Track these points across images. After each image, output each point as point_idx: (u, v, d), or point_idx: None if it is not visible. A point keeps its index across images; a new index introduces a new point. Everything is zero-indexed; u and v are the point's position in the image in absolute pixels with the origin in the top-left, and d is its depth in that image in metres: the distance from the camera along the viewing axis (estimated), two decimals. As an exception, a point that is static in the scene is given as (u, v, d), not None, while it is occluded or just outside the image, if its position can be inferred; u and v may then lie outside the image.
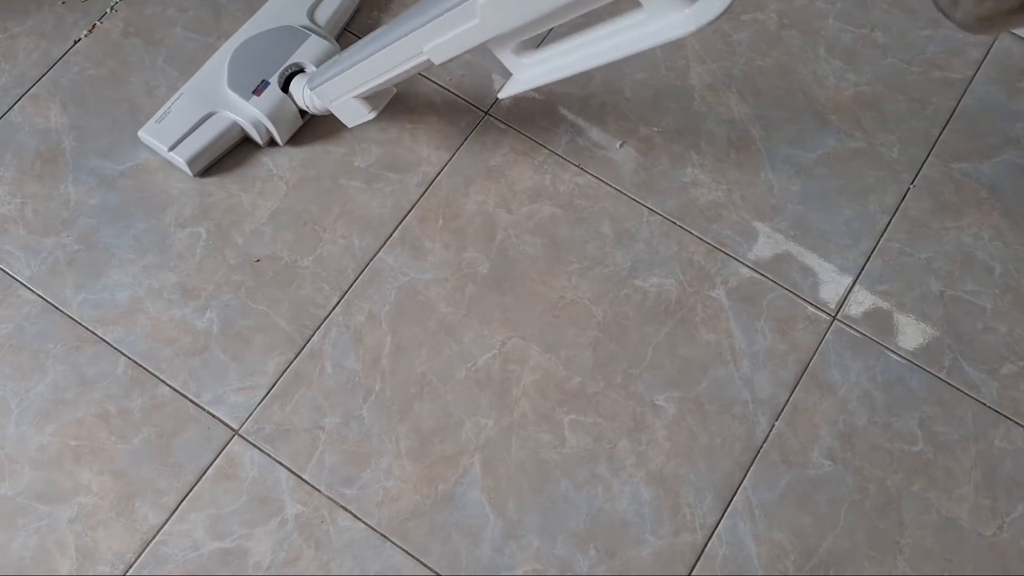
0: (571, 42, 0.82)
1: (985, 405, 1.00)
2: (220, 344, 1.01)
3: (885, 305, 1.04)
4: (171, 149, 1.05)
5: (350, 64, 0.94)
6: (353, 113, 1.02)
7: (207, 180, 1.09)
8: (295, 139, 1.11)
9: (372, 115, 1.01)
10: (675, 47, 1.17)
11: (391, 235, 1.07)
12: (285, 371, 1.00)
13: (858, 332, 1.03)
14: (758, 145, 1.12)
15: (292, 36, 1.09)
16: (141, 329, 1.02)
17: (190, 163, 1.06)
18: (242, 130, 1.08)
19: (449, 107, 1.14)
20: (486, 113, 1.14)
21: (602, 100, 1.14)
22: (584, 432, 0.98)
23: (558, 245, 1.07)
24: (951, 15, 0.64)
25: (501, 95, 0.89)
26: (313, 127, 1.12)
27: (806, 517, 0.95)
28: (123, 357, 1.00)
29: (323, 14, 1.14)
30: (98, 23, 1.17)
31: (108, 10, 1.18)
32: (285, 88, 1.07)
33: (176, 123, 1.06)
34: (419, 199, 1.09)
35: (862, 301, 1.05)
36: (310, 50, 1.08)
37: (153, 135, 1.06)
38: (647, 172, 1.11)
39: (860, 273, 1.06)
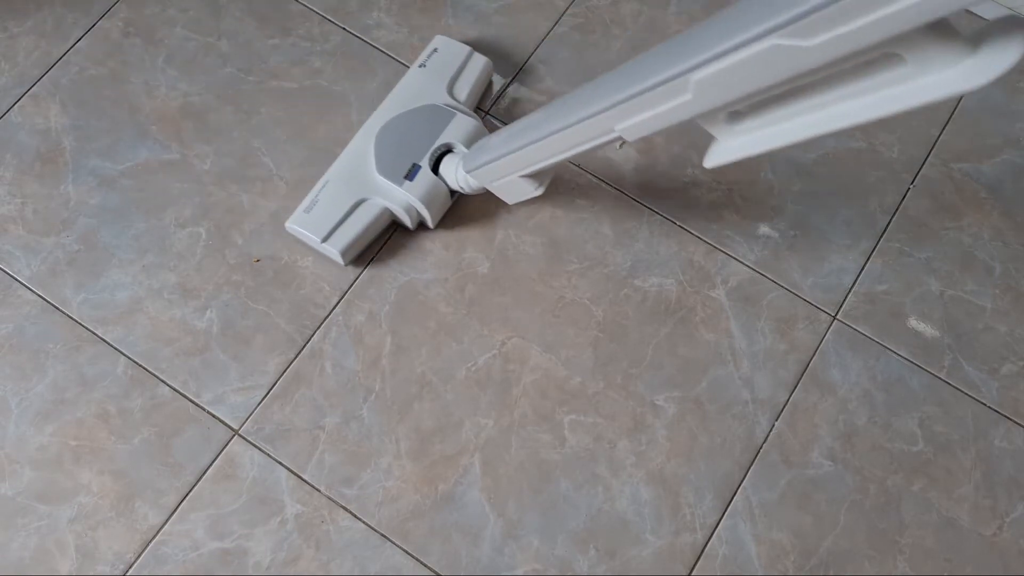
0: (800, 104, 0.68)
1: (985, 405, 1.00)
2: (220, 344, 1.01)
3: (885, 305, 1.04)
4: (324, 240, 1.01)
5: (518, 146, 0.88)
6: (517, 191, 0.97)
7: (208, 178, 1.09)
8: (442, 221, 1.08)
9: (540, 191, 0.95)
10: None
11: (391, 235, 1.07)
12: (285, 371, 1.00)
13: (858, 332, 1.03)
14: (758, 145, 1.12)
15: (437, 115, 1.05)
16: (141, 329, 1.02)
17: (343, 254, 1.02)
18: (392, 215, 1.04)
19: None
20: (486, 113, 1.14)
21: (602, 100, 1.14)
22: (584, 432, 0.98)
23: (558, 245, 1.07)
24: None
25: (707, 165, 0.76)
26: (460, 205, 1.09)
27: (806, 517, 0.95)
28: (123, 357, 1.00)
29: (462, 90, 1.09)
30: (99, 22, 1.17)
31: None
32: (435, 170, 1.03)
33: (326, 212, 1.02)
34: (419, 199, 1.09)
35: (862, 301, 1.05)
36: (458, 129, 1.04)
37: (303, 226, 1.02)
38: (647, 172, 1.10)
39: (860, 273, 1.06)
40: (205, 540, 0.93)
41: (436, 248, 1.06)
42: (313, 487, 0.96)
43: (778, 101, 0.69)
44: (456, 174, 1.01)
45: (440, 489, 0.96)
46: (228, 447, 0.97)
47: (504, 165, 0.92)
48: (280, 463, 0.96)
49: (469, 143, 1.03)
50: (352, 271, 1.05)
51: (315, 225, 1.02)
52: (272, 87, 1.14)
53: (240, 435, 0.98)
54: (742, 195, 1.09)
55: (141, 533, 0.93)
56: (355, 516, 0.94)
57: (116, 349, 1.01)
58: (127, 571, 0.92)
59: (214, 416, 0.98)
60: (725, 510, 0.96)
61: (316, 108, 1.13)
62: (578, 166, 1.11)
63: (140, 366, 1.00)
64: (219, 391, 0.99)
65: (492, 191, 0.99)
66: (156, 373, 1.00)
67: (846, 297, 1.05)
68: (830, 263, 1.06)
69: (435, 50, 1.11)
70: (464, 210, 1.08)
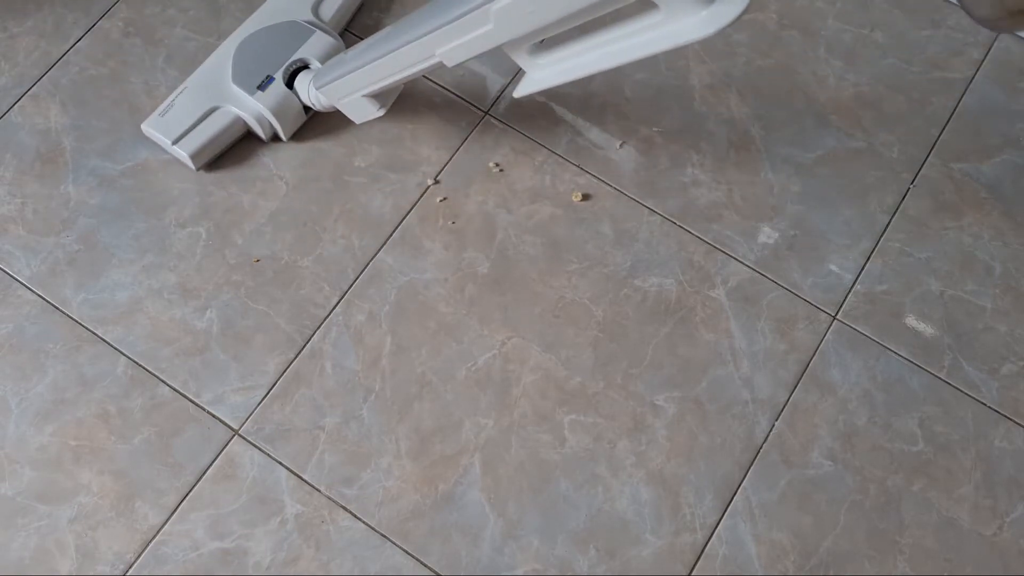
0: (586, 42, 0.81)
1: (985, 405, 1.00)
2: (220, 344, 1.01)
3: (885, 305, 1.04)
4: (175, 143, 1.05)
5: (359, 64, 0.94)
6: (361, 111, 1.02)
7: (208, 178, 1.09)
8: (297, 136, 1.11)
9: (381, 112, 1.01)
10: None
11: (391, 235, 1.07)
12: (285, 371, 1.00)
13: (858, 332, 1.03)
14: (758, 145, 1.12)
15: (297, 32, 1.09)
16: (141, 329, 1.02)
17: (193, 157, 1.05)
18: (245, 125, 1.08)
19: (449, 107, 1.14)
20: (486, 113, 1.14)
21: (602, 100, 1.14)
22: (584, 432, 0.98)
23: (558, 245, 1.07)
24: (973, 12, 0.63)
25: (516, 94, 0.87)
26: (315, 124, 1.12)
27: (806, 517, 0.95)
28: (123, 357, 1.00)
29: (327, 10, 1.13)
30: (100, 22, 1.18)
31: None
32: (290, 84, 1.07)
33: (180, 117, 1.06)
34: (419, 199, 1.09)
35: (862, 301, 1.05)
36: (315, 46, 1.08)
37: (156, 128, 1.06)
38: (647, 172, 1.11)
39: (860, 273, 1.06)
40: (205, 540, 0.93)
41: (436, 248, 1.06)
42: (313, 487, 0.96)
43: (571, 37, 0.81)
44: (308, 90, 1.04)
45: (440, 489, 0.96)
46: (228, 447, 0.97)
47: (348, 83, 0.97)
48: (280, 463, 0.96)
49: (325, 61, 1.07)
50: (352, 271, 1.05)
51: (167, 128, 1.06)
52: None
53: (240, 435, 0.98)
54: (742, 195, 1.09)
55: (141, 533, 0.93)
56: (355, 516, 0.94)
57: (116, 349, 1.01)
58: (127, 571, 0.92)
59: (214, 416, 0.98)
60: (725, 510, 0.96)
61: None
62: (578, 165, 1.11)
63: (140, 366, 1.00)
64: (219, 391, 0.99)
65: (340, 109, 1.04)
66: (156, 373, 1.00)
67: (846, 297, 1.05)
68: (830, 263, 1.06)
69: None
70: (318, 128, 1.11)
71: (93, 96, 1.13)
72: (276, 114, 1.06)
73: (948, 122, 1.14)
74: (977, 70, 1.17)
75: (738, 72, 1.16)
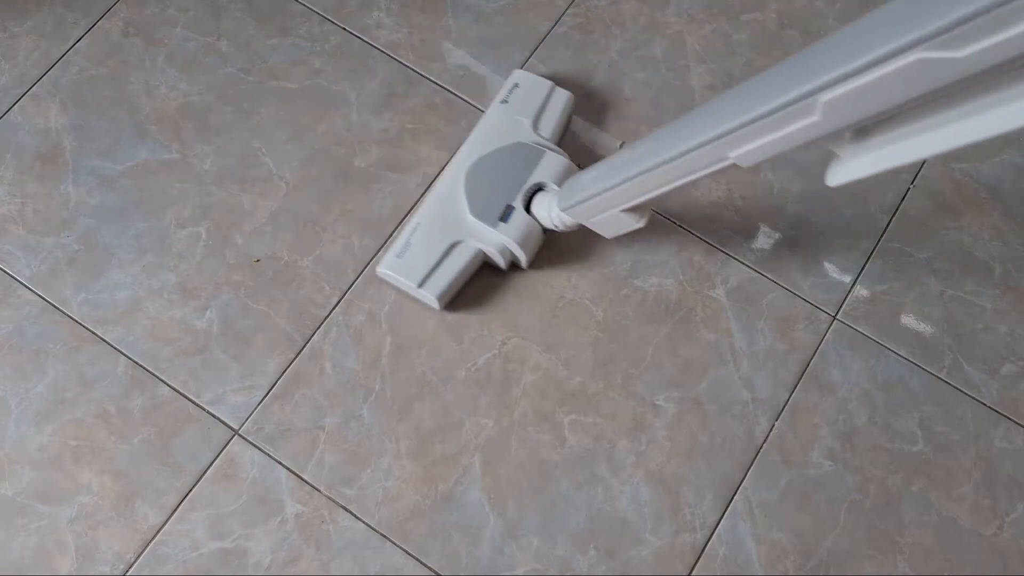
0: (931, 119, 0.63)
1: (985, 405, 1.00)
2: (220, 344, 1.01)
3: (885, 305, 1.04)
4: (420, 286, 0.99)
5: (619, 180, 0.85)
6: (617, 225, 0.93)
7: (210, 183, 1.09)
8: (535, 259, 1.05)
9: (642, 223, 0.92)
10: (675, 47, 1.17)
11: (391, 235, 1.07)
12: (285, 371, 1.00)
13: (858, 332, 1.03)
14: (758, 145, 1.12)
15: (526, 153, 1.03)
16: (141, 329, 1.02)
17: (439, 298, 1.00)
18: (485, 257, 1.02)
19: (449, 107, 1.14)
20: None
21: (602, 100, 1.14)
22: (584, 432, 0.98)
23: (558, 245, 1.06)
24: None
25: (829, 182, 0.73)
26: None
27: (806, 517, 0.95)
28: (123, 357, 1.00)
29: (547, 126, 1.07)
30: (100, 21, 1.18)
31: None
32: (527, 208, 1.01)
33: (420, 257, 1.00)
34: (419, 199, 1.09)
35: (862, 301, 1.05)
36: (548, 167, 1.02)
37: (396, 271, 1.00)
38: (647, 172, 1.10)
39: (860, 273, 1.06)
40: (205, 540, 0.93)
41: (436, 248, 1.06)
42: (313, 487, 0.96)
43: (911, 114, 0.64)
44: (550, 213, 0.98)
45: (440, 489, 0.96)
46: (228, 447, 0.97)
47: (604, 201, 0.89)
48: (280, 463, 0.96)
49: (560, 181, 1.01)
50: (352, 271, 1.05)
51: (409, 270, 0.99)
52: (272, 87, 1.14)
53: (240, 435, 0.98)
54: (742, 195, 1.09)
55: (141, 533, 0.93)
56: (355, 516, 0.94)
57: (116, 349, 1.01)
58: (127, 571, 0.92)
59: (214, 416, 0.98)
60: (725, 510, 0.96)
61: (316, 108, 1.13)
62: (578, 165, 1.10)
63: (140, 366, 1.00)
64: (219, 391, 0.99)
65: (589, 226, 0.96)
66: (156, 373, 1.00)
67: (846, 297, 1.05)
68: (830, 263, 1.06)
69: (516, 85, 1.09)
70: (556, 247, 1.06)
71: (93, 96, 1.13)
72: (521, 244, 1.00)
73: (948, 122, 1.14)
74: (977, 70, 1.16)
75: (738, 72, 1.16)
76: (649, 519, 0.95)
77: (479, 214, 1.00)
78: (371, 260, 1.05)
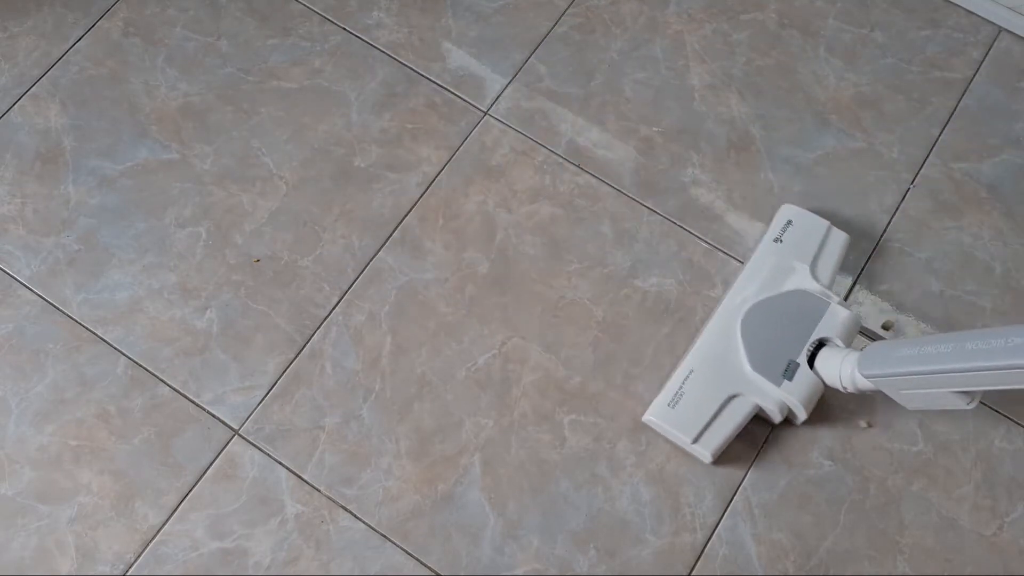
0: None
1: (985, 405, 1.00)
2: (220, 344, 1.01)
3: (885, 305, 1.04)
4: (695, 441, 0.94)
5: (970, 367, 0.77)
6: (936, 402, 0.86)
7: (208, 176, 1.09)
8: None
9: (971, 406, 0.84)
10: (675, 47, 1.17)
11: (391, 235, 1.07)
12: (285, 371, 1.00)
13: (858, 332, 1.03)
14: (758, 145, 1.12)
15: (807, 304, 0.97)
16: (141, 329, 1.02)
17: (715, 454, 0.94)
18: (760, 411, 0.96)
19: (449, 107, 1.14)
20: (486, 113, 1.14)
21: (602, 100, 1.14)
22: (584, 432, 0.98)
23: (558, 245, 1.07)
24: None
25: None
26: None
27: (806, 517, 0.95)
28: (123, 357, 1.00)
29: (824, 271, 1.01)
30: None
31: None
32: (809, 363, 0.95)
33: (695, 409, 0.94)
34: (419, 199, 1.09)
35: (862, 301, 1.05)
36: (834, 321, 0.96)
37: (670, 423, 0.95)
38: (647, 172, 1.10)
39: (860, 273, 1.06)
40: (205, 540, 0.93)
41: (436, 248, 1.06)
42: (313, 487, 0.96)
43: None
44: (841, 373, 0.91)
45: (440, 489, 0.96)
46: (228, 447, 0.97)
47: (933, 380, 0.82)
48: (280, 463, 0.96)
49: (845, 335, 0.96)
50: (352, 271, 1.05)
51: (684, 423, 0.94)
52: (272, 87, 1.14)
53: (240, 435, 0.98)
54: (742, 195, 1.09)
55: (141, 533, 0.93)
56: (355, 516, 0.94)
57: (116, 349, 1.01)
58: (127, 571, 0.92)
59: (214, 416, 0.98)
60: (725, 510, 0.96)
61: (316, 108, 1.13)
62: (578, 165, 1.11)
63: (140, 366, 1.00)
64: (219, 391, 0.99)
65: (888, 395, 0.90)
66: (156, 373, 1.00)
67: (846, 297, 1.05)
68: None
69: (789, 222, 1.03)
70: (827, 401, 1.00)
71: (93, 96, 1.13)
72: (805, 405, 0.94)
73: (948, 122, 1.14)
74: (977, 70, 1.16)
75: (738, 72, 1.16)
76: (649, 519, 0.95)
77: (760, 368, 0.95)
78: (371, 260, 1.05)
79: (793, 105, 1.14)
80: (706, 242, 1.07)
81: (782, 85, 1.15)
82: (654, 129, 1.13)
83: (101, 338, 1.01)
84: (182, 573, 0.92)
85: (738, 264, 1.06)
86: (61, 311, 1.02)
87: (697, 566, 0.93)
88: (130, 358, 1.00)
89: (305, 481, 0.96)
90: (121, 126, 1.12)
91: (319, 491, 0.95)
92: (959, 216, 1.09)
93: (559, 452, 0.97)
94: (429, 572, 0.92)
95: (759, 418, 0.97)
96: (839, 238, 1.03)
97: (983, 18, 1.19)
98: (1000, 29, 1.19)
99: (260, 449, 0.97)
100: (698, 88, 1.15)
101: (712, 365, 0.97)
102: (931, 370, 0.81)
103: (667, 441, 0.98)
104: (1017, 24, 1.17)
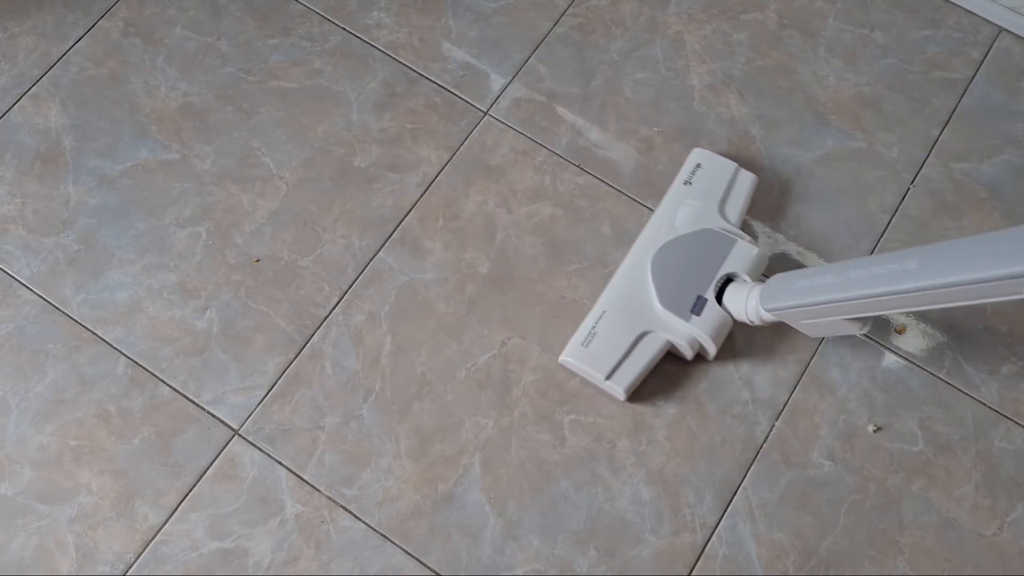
0: None
1: (985, 405, 1.00)
2: (220, 344, 1.01)
3: (885, 305, 1.04)
4: (608, 378, 0.96)
5: (860, 295, 0.79)
6: (833, 329, 0.90)
7: (208, 177, 1.09)
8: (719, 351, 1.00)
9: (864, 330, 0.88)
10: (675, 47, 1.17)
11: (391, 235, 1.07)
12: (285, 371, 1.00)
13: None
14: (757, 145, 1.12)
15: (714, 241, 0.99)
16: (141, 329, 1.02)
17: (627, 391, 0.96)
18: (672, 347, 0.98)
19: (449, 107, 1.14)
20: (486, 113, 1.14)
21: (602, 100, 1.14)
22: (584, 432, 0.98)
23: (558, 245, 1.07)
24: None
25: None
26: None
27: (806, 517, 0.95)
28: (123, 357, 1.00)
29: (733, 210, 1.03)
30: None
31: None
32: (718, 299, 0.98)
33: (606, 347, 0.97)
34: (419, 199, 1.09)
35: (862, 301, 1.05)
36: (740, 257, 0.98)
37: (583, 361, 0.97)
38: (647, 172, 1.10)
39: (860, 273, 1.06)
40: (205, 540, 0.93)
41: (436, 248, 1.06)
42: (313, 487, 0.96)
43: None
44: (746, 307, 0.94)
45: (440, 489, 0.96)
46: (228, 447, 0.97)
47: (828, 309, 0.85)
48: (280, 463, 0.96)
49: (752, 271, 0.98)
50: (352, 271, 1.05)
51: (596, 361, 0.97)
52: (272, 87, 1.14)
53: (240, 435, 0.98)
54: (742, 195, 1.09)
55: (141, 533, 0.93)
56: (355, 516, 0.94)
57: (116, 349, 1.01)
58: (127, 571, 0.92)
59: (214, 416, 0.98)
60: (725, 510, 0.96)
61: (316, 108, 1.13)
62: (578, 165, 1.11)
63: (140, 366, 1.00)
64: (219, 391, 0.99)
65: (792, 326, 0.94)
66: (156, 373, 1.00)
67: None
68: (830, 263, 1.06)
69: (698, 165, 1.06)
70: (741, 339, 1.02)
71: (93, 96, 1.13)
72: (714, 338, 0.96)
73: (948, 122, 1.14)
74: (977, 70, 1.16)
75: (738, 72, 1.16)
76: (649, 519, 0.95)
77: (669, 305, 0.97)
78: (371, 260, 1.05)
79: (793, 105, 1.14)
80: (706, 242, 1.07)
81: (782, 85, 1.15)
82: (654, 129, 1.13)
83: (101, 338, 1.01)
84: (182, 573, 0.92)
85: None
86: (61, 311, 1.02)
87: (697, 566, 0.93)
88: (130, 358, 1.00)
89: (305, 481, 0.96)
90: (121, 126, 1.12)
91: (319, 491, 0.95)
92: (959, 216, 1.09)
93: (559, 452, 0.97)
94: (429, 572, 0.92)
95: (673, 355, 0.99)
96: (747, 178, 1.06)
97: (983, 18, 1.19)
98: (1000, 29, 1.19)
99: (260, 449, 0.97)
100: (698, 88, 1.15)
101: (623, 304, 0.99)
102: (823, 300, 0.84)
103: (667, 440, 0.98)
104: (1017, 24, 1.17)
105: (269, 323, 1.02)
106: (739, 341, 1.01)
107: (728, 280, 0.99)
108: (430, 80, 1.15)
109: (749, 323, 0.96)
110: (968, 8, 1.19)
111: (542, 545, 0.94)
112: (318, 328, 1.02)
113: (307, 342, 1.02)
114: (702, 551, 0.94)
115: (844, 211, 1.09)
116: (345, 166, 1.10)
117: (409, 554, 0.93)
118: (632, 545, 0.94)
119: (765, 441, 0.98)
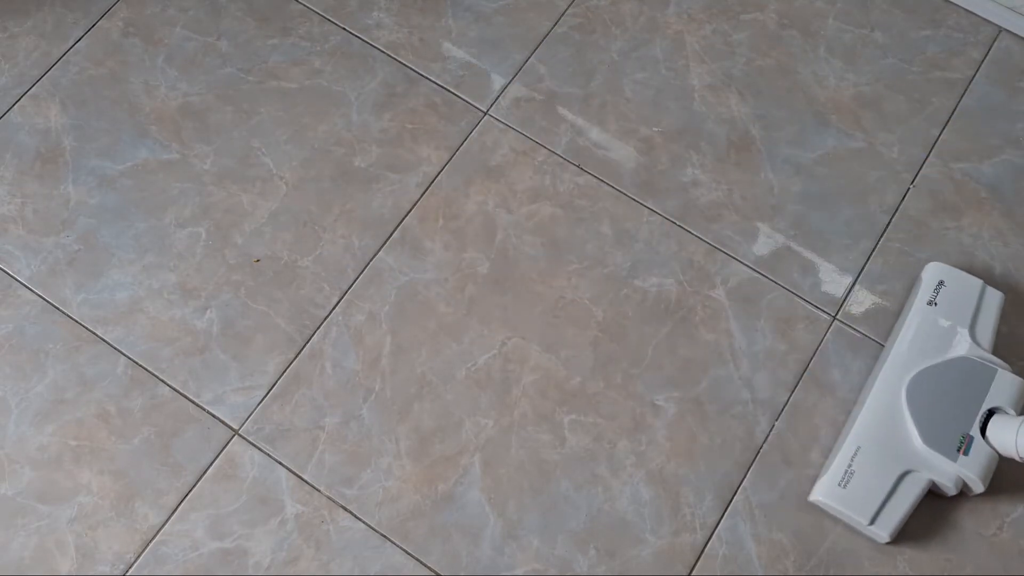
0: None
1: (985, 405, 1.00)
2: (220, 344, 1.01)
3: (885, 305, 1.04)
4: (871, 523, 0.91)
5: None
6: None
7: (210, 177, 1.09)
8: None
9: None
10: (675, 47, 1.17)
11: (391, 235, 1.07)
12: (285, 371, 1.00)
13: (858, 332, 1.03)
14: (758, 145, 1.12)
15: (973, 371, 0.94)
16: (141, 329, 1.02)
17: (892, 535, 0.92)
18: (934, 486, 0.93)
19: (449, 107, 1.14)
20: (486, 113, 1.14)
21: (602, 100, 1.14)
22: (584, 432, 0.98)
23: (558, 245, 1.07)
24: None
25: None
26: None
27: (806, 517, 0.95)
28: (123, 357, 1.00)
29: (984, 334, 0.98)
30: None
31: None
32: (981, 433, 0.93)
33: (867, 488, 0.91)
34: (419, 199, 1.09)
35: (862, 301, 1.05)
36: (1003, 389, 0.93)
37: (842, 503, 0.92)
38: (647, 172, 1.11)
39: (860, 273, 1.06)
40: (205, 540, 0.93)
41: (436, 248, 1.06)
42: (313, 487, 0.96)
43: None
44: (1017, 442, 0.89)
45: (440, 489, 0.96)
46: (228, 447, 0.97)
47: None
48: (280, 463, 0.96)
49: (1016, 404, 0.94)
50: (352, 271, 1.05)
51: (857, 504, 0.91)
52: (272, 87, 1.14)
53: (240, 435, 0.98)
54: (742, 195, 1.09)
55: (141, 533, 0.93)
56: (355, 516, 0.94)
57: (116, 349, 1.01)
58: (127, 571, 0.92)
59: (214, 416, 0.98)
60: (725, 510, 0.96)
61: (316, 108, 1.13)
62: (578, 165, 1.11)
63: (140, 366, 1.00)
64: (219, 391, 0.99)
65: None
66: (156, 373, 1.00)
67: (846, 297, 1.05)
68: (830, 263, 1.06)
69: (941, 283, 1.00)
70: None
71: (93, 96, 1.13)
72: (983, 478, 0.91)
73: (948, 122, 1.14)
74: (977, 70, 1.17)
75: (738, 72, 1.16)
76: (649, 519, 0.95)
77: (932, 443, 0.92)
78: (371, 260, 1.05)
79: (793, 105, 1.14)
80: (706, 242, 1.07)
81: (782, 85, 1.15)
82: (654, 129, 1.13)
83: (101, 338, 1.01)
84: (182, 573, 0.92)
85: (738, 264, 1.06)
86: (61, 311, 1.02)
87: (697, 566, 0.93)
88: (130, 358, 1.00)
89: (305, 481, 0.96)
90: (121, 126, 1.12)
91: (319, 491, 0.95)
92: (959, 216, 1.09)
93: (559, 452, 0.97)
94: (429, 572, 0.92)
95: (931, 492, 0.94)
96: (995, 297, 1.00)
97: (983, 18, 1.19)
98: (1000, 29, 1.19)
99: (260, 449, 0.97)
100: (698, 88, 1.15)
101: (880, 440, 0.94)
102: None
103: (667, 440, 0.98)
104: (1017, 24, 1.17)
105: (269, 323, 1.02)
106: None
107: (990, 413, 0.94)
108: (430, 80, 1.15)
109: (1018, 459, 0.91)
110: (968, 8, 1.19)
111: (542, 545, 0.94)
112: (318, 328, 1.02)
113: (307, 342, 1.02)
114: (702, 551, 0.94)
115: (844, 211, 1.09)
116: (345, 166, 1.10)
117: (409, 554, 0.93)
118: (632, 545, 0.94)
119: (765, 441, 0.98)
